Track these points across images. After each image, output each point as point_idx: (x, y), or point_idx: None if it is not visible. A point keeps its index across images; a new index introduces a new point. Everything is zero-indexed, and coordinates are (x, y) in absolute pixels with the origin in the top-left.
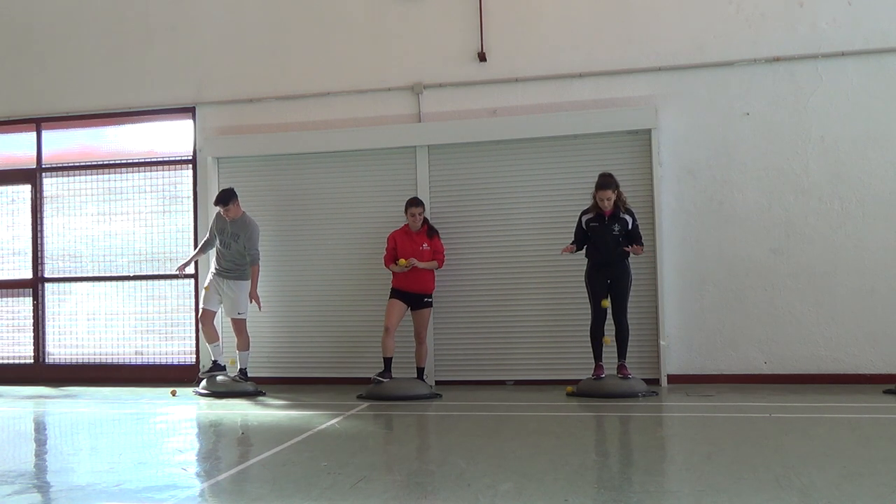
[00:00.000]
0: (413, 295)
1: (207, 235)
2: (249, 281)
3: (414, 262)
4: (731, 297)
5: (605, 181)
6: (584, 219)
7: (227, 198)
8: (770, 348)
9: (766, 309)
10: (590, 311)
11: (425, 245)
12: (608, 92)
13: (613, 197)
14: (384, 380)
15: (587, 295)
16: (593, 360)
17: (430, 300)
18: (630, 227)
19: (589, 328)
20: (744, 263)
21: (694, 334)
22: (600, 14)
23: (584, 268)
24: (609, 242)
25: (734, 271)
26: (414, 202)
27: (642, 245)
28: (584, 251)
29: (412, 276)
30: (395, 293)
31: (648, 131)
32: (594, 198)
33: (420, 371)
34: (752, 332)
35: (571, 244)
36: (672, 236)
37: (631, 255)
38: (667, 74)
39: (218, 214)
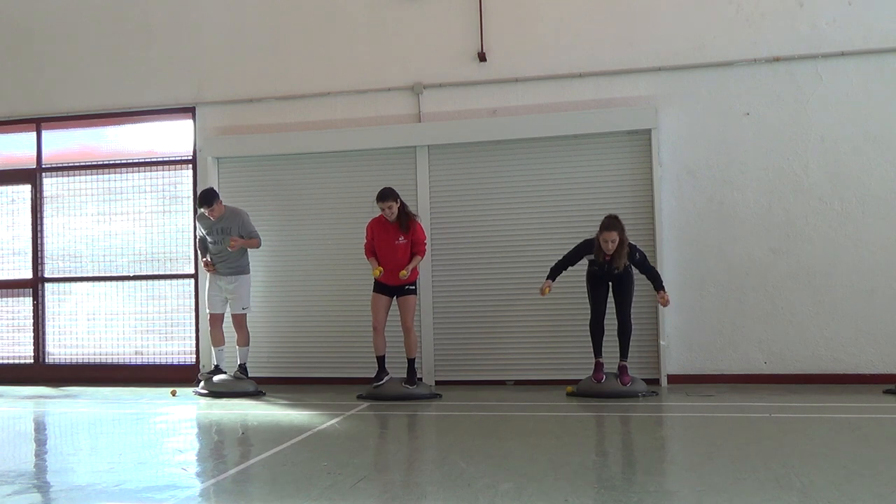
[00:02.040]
0: (396, 287)
1: (199, 234)
2: (248, 275)
3: (403, 274)
4: (731, 297)
5: (610, 222)
6: (587, 259)
7: (211, 198)
8: (770, 348)
9: (766, 309)
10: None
11: (401, 238)
12: (608, 92)
13: (619, 239)
14: (384, 382)
15: (586, 294)
16: (593, 357)
17: (413, 287)
18: (637, 259)
19: (588, 323)
20: (744, 263)
21: (694, 334)
22: (600, 14)
23: (585, 268)
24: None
25: (734, 271)
26: (381, 197)
27: (663, 288)
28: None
29: (393, 270)
30: (378, 286)
31: (648, 131)
32: (597, 240)
33: (411, 362)
34: (752, 332)
35: (547, 280)
36: (672, 236)
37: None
38: (667, 74)
39: (201, 216)
